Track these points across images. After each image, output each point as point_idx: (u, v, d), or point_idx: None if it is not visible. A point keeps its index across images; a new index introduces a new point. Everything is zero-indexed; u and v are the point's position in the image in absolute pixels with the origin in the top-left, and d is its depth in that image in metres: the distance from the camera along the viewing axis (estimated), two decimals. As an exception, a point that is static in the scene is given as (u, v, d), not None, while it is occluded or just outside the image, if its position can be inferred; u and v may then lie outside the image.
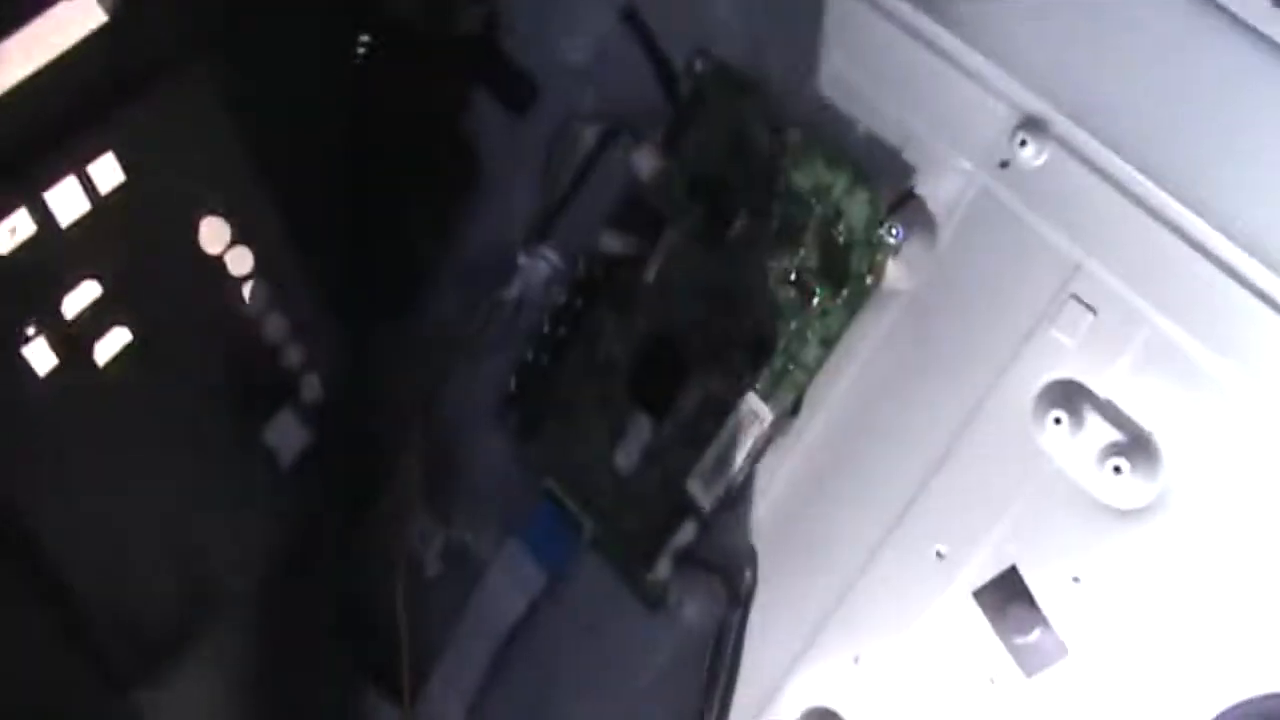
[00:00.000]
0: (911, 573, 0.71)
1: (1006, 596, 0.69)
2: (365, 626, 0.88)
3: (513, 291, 0.84)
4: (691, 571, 0.78)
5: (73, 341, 0.63)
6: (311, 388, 0.79)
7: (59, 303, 0.63)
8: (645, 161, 0.78)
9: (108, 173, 0.63)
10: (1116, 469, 0.65)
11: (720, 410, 0.76)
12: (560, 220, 0.83)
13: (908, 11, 0.70)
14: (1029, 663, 0.68)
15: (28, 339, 0.62)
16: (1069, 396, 0.67)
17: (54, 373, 0.63)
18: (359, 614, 0.87)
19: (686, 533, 0.77)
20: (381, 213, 0.82)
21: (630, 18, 0.80)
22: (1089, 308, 0.66)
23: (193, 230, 0.69)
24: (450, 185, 0.86)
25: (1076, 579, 0.66)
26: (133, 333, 0.66)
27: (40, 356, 0.62)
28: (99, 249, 0.64)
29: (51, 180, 0.61)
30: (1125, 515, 0.65)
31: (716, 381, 0.76)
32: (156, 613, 0.70)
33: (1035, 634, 0.68)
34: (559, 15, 0.83)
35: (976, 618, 0.69)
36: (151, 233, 0.67)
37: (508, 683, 0.86)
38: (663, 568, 0.78)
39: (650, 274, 0.78)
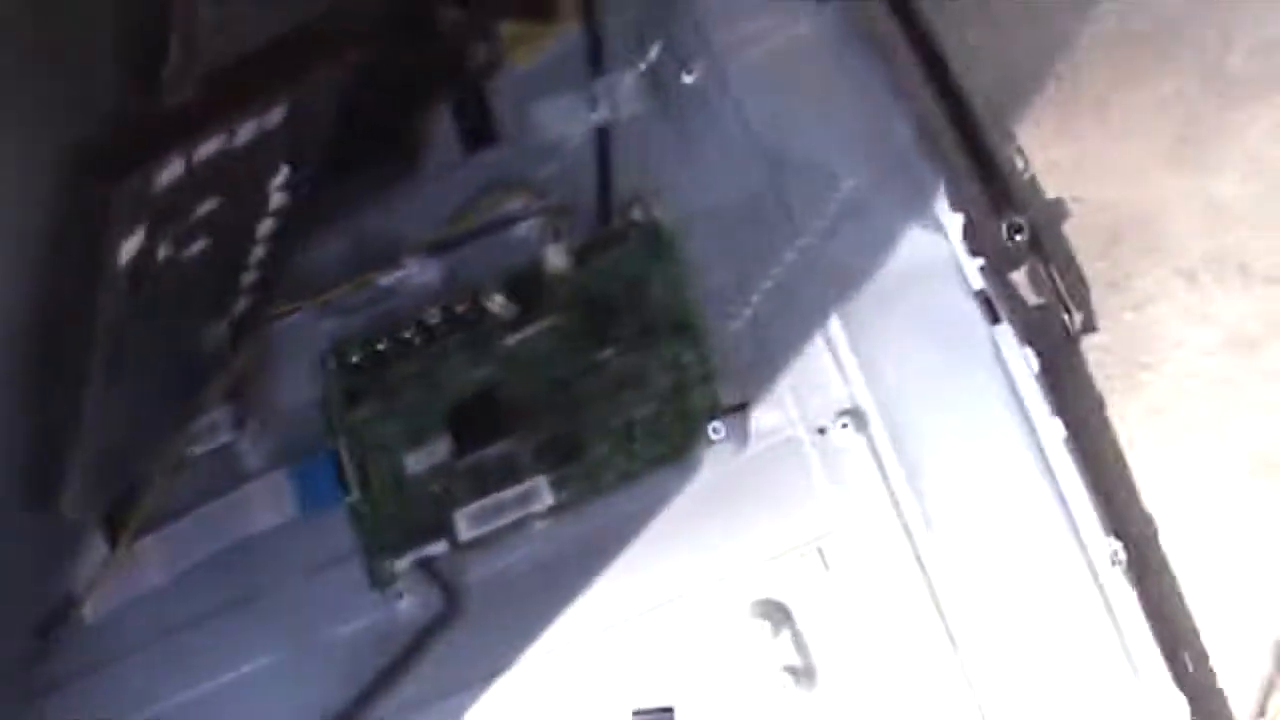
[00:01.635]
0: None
1: None
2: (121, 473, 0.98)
3: (388, 281, 0.98)
4: (423, 576, 0.94)
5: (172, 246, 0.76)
6: (242, 306, 0.93)
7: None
8: (556, 258, 0.94)
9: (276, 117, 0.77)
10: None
11: (514, 474, 0.93)
12: (457, 250, 0.98)
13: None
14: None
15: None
16: (774, 615, 0.87)
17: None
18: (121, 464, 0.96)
19: (437, 548, 0.93)
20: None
21: (602, 136, 0.95)
22: (825, 564, 0.87)
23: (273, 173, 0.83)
24: (384, 169, 1.00)
25: None
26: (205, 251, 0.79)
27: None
28: (224, 176, 0.77)
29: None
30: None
31: (523, 453, 0.92)
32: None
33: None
34: (548, 96, 0.98)
35: None
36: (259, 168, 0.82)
37: (216, 571, 0.99)
38: (404, 562, 0.93)
39: (512, 341, 0.94)
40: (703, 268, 0.92)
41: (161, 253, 0.75)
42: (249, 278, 0.91)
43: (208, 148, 0.72)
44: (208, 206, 0.76)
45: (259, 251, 0.90)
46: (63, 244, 0.68)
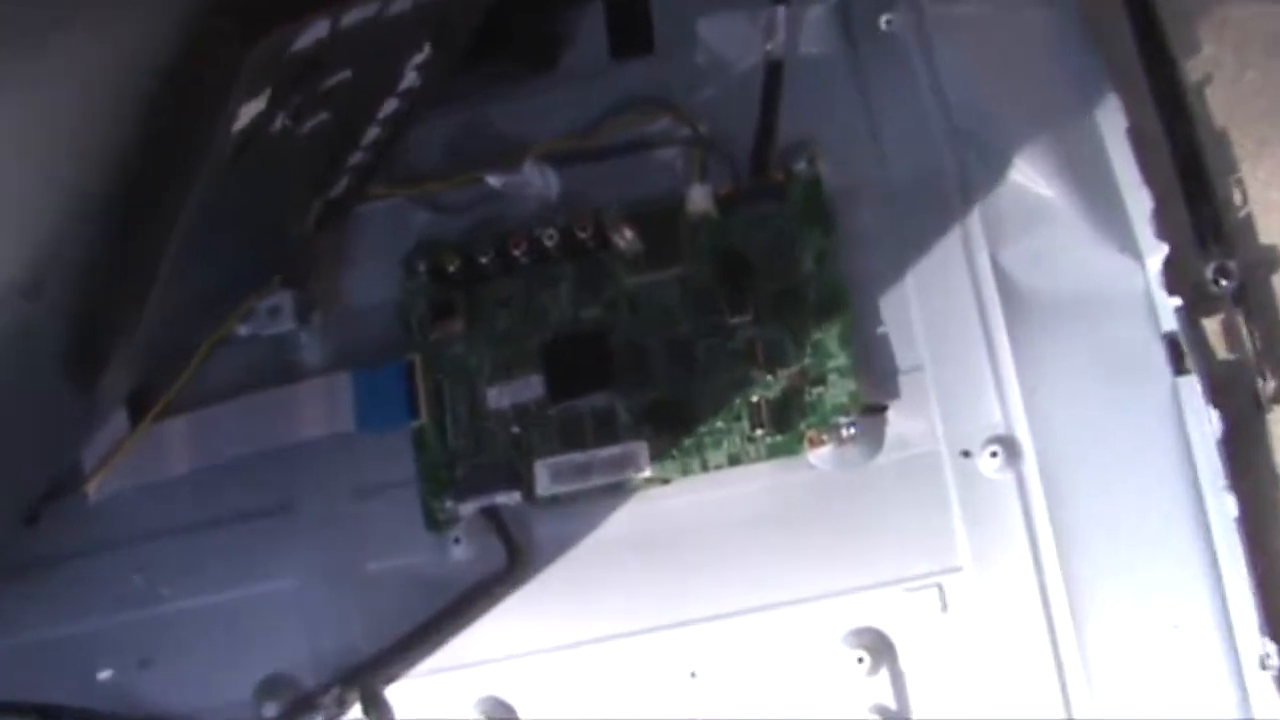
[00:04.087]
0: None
1: None
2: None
3: (499, 182, 0.90)
4: (486, 526, 0.88)
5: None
6: (340, 188, 0.88)
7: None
8: (699, 198, 0.87)
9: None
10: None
11: (610, 432, 0.86)
12: (584, 165, 0.91)
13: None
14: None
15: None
16: (875, 647, 0.81)
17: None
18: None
19: (508, 498, 0.87)
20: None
21: (773, 70, 0.88)
22: (943, 604, 0.81)
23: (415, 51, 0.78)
24: (520, 61, 0.94)
25: None
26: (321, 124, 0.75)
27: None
28: (366, 47, 0.72)
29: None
30: None
31: (624, 411, 0.86)
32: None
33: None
34: (719, 12, 0.92)
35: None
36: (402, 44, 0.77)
37: (248, 473, 0.93)
38: (468, 507, 0.87)
39: (633, 283, 0.88)
40: (862, 242, 0.87)
41: (278, 122, 0.70)
42: (355, 158, 0.86)
43: (359, 13, 0.68)
44: (339, 77, 0.72)
45: (373, 132, 0.85)
46: (177, 99, 0.62)
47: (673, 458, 0.86)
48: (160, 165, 0.64)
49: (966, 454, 0.83)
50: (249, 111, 0.66)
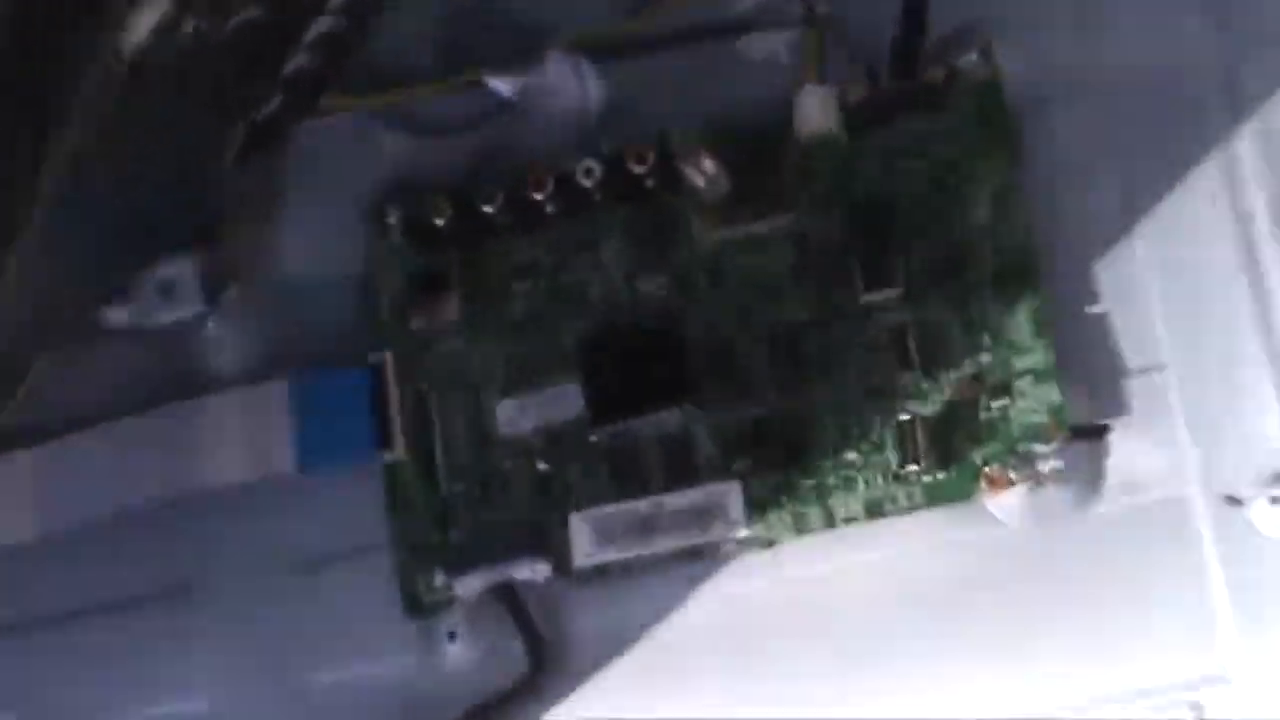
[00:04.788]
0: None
1: None
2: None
3: (508, 87, 0.72)
4: (497, 613, 0.68)
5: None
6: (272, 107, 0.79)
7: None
8: (815, 113, 0.68)
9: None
10: None
11: (683, 469, 0.67)
12: (637, 61, 0.73)
13: None
14: None
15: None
16: None
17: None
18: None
19: (533, 571, 0.68)
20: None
21: None
22: None
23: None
24: None
25: None
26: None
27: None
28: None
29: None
30: None
31: (704, 437, 0.66)
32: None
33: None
34: None
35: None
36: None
37: (133, 537, 0.74)
38: (467, 585, 0.67)
39: (716, 239, 0.68)
40: (1067, 176, 0.68)
41: (188, 25, 0.67)
42: (296, 63, 0.75)
43: None
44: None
45: (324, 24, 0.75)
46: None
47: (780, 507, 0.67)
48: (25, 89, 0.62)
49: (1235, 500, 0.64)
50: (147, 20, 0.63)
